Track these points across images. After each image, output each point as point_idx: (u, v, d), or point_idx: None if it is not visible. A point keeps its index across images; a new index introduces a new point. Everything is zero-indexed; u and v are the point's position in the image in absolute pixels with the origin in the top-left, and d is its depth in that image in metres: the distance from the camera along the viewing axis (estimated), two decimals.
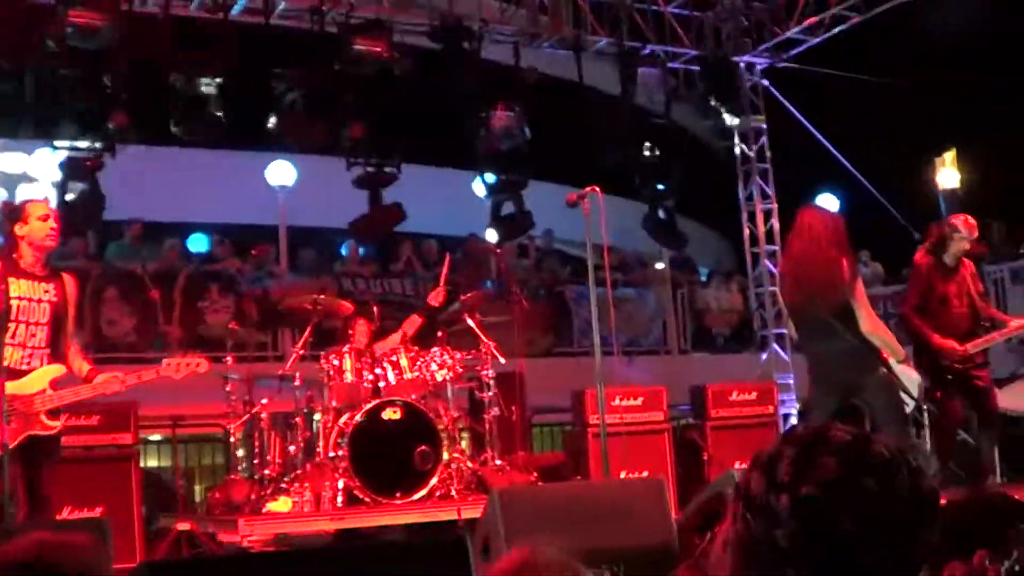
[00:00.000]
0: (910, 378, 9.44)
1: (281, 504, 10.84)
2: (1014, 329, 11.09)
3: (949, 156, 20.69)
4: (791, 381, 18.40)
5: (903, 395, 9.26)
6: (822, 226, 9.20)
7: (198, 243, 20.29)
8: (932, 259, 11.34)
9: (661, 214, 18.17)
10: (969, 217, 11.33)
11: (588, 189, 9.98)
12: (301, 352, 12.25)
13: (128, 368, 9.72)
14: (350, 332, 12.25)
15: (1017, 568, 2.61)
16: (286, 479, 11.17)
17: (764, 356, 19.28)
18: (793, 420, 18.13)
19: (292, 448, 11.49)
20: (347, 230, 17.40)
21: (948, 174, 20.47)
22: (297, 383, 11.67)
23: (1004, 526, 2.89)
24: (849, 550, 1.93)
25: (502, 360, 12.53)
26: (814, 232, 9.18)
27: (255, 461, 11.68)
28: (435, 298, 12.87)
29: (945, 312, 10.99)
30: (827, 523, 1.93)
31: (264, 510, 10.78)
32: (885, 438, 2.07)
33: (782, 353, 18.97)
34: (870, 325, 9.07)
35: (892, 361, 9.27)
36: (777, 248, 18.57)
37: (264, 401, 11.87)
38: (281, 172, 19.83)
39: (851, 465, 1.99)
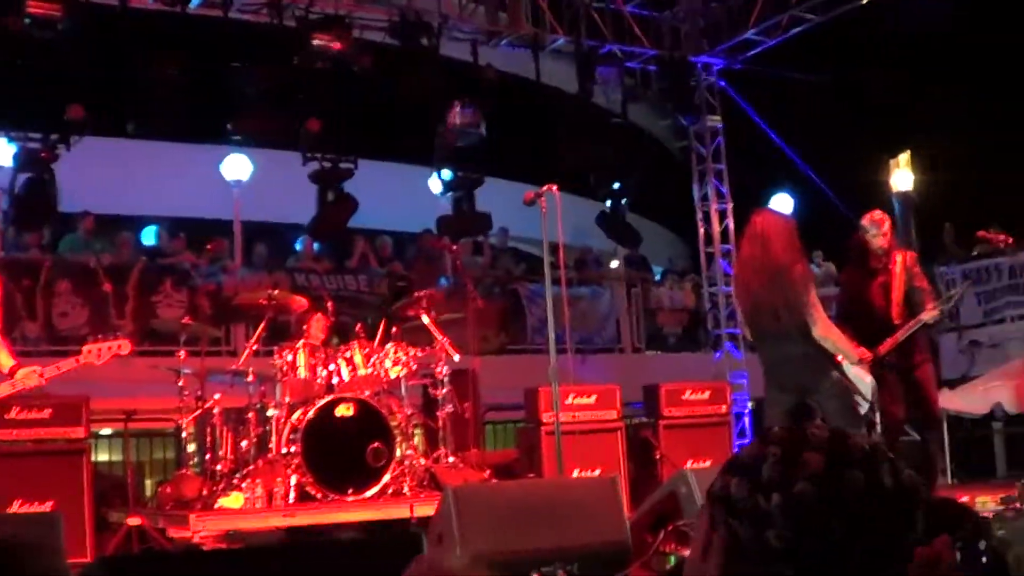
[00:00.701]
0: (863, 381, 9.48)
1: (233, 500, 10.75)
2: (914, 324, 10.91)
3: (904, 158, 20.77)
4: (744, 381, 18.48)
5: (856, 397, 9.31)
6: (775, 230, 9.18)
7: (152, 236, 20.16)
8: (852, 268, 11.40)
9: (617, 212, 18.23)
10: (875, 212, 11.23)
11: (545, 187, 9.99)
12: (254, 347, 12.19)
13: None
14: (304, 328, 12.21)
15: (985, 561, 2.62)
16: (238, 475, 11.10)
17: (717, 355, 19.35)
18: (746, 420, 18.21)
19: (244, 444, 11.43)
20: (303, 227, 17.38)
21: (902, 176, 20.55)
22: (250, 378, 11.62)
23: (956, 519, 2.90)
24: (842, 544, 1.93)
25: (456, 357, 12.52)
26: (767, 236, 9.15)
27: (207, 456, 11.64)
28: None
29: (868, 315, 10.95)
30: (821, 518, 1.93)
31: (216, 506, 10.68)
32: (865, 439, 2.07)
33: (735, 353, 19.04)
34: (823, 329, 9.08)
35: (845, 364, 9.31)
36: (732, 248, 18.58)
37: (217, 396, 11.81)
38: (237, 166, 19.72)
39: (836, 460, 2.00)
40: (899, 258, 11.09)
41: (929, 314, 10.75)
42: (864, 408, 9.47)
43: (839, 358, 9.26)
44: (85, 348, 8.81)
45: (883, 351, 10.60)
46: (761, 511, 1.99)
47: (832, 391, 9.19)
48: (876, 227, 11.03)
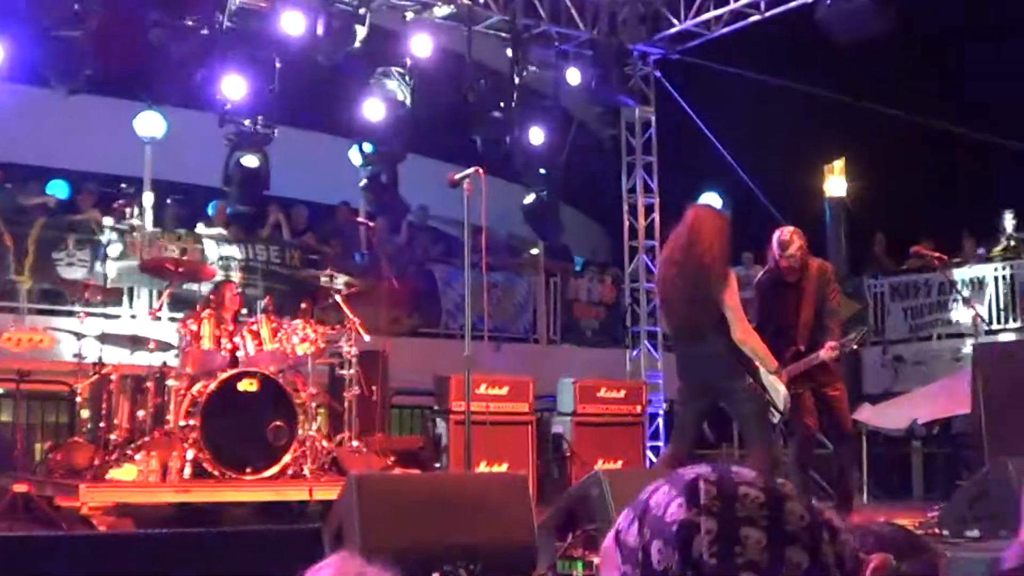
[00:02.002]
0: (777, 390, 9.30)
1: (125, 472, 10.51)
2: (812, 360, 10.54)
3: (838, 164, 20.73)
4: (660, 380, 18.25)
5: (770, 407, 9.15)
6: (705, 226, 9.05)
7: (58, 190, 19.59)
8: (767, 277, 11.00)
9: (540, 200, 17.95)
10: (784, 232, 10.64)
11: (472, 170, 9.81)
12: (158, 313, 11.78)
13: None
14: (211, 297, 11.88)
15: None
16: (132, 446, 10.85)
17: (635, 353, 19.09)
18: (660, 421, 17.97)
19: (141, 414, 11.16)
20: (217, 190, 16.94)
21: (836, 182, 20.50)
22: (151, 346, 11.27)
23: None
24: None
25: (366, 337, 12.26)
26: (694, 232, 9.03)
27: (101, 424, 11.35)
28: None
29: (774, 332, 10.63)
30: None
31: (107, 477, 10.44)
32: (798, 497, 1.90)
33: (653, 351, 18.81)
34: (742, 332, 9.00)
35: (762, 371, 9.13)
36: (656, 243, 18.34)
37: (115, 362, 11.43)
38: (151, 123, 19.19)
39: (777, 536, 1.85)
40: (814, 272, 10.68)
41: (827, 353, 10.41)
42: (776, 418, 9.33)
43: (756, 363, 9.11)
44: (6, 335, 8.50)
45: (785, 376, 10.25)
46: None
47: (744, 396, 9.10)
48: (781, 248, 10.62)
